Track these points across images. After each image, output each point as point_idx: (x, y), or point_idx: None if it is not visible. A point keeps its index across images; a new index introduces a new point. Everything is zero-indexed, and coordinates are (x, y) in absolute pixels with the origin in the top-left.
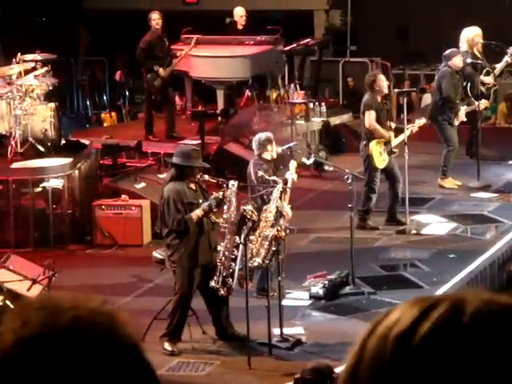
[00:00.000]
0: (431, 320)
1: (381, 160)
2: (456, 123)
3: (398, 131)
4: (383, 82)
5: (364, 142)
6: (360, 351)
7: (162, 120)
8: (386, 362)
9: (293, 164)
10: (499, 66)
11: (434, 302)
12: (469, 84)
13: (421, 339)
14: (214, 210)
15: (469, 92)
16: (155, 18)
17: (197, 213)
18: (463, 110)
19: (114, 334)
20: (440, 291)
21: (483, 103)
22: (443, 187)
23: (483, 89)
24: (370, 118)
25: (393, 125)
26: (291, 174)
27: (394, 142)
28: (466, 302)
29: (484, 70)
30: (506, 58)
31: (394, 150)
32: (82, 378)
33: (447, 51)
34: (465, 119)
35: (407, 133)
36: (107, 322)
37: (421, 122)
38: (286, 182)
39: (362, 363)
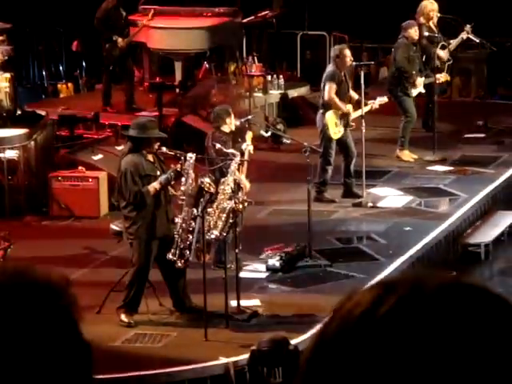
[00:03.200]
0: (393, 296)
1: (336, 131)
2: (413, 94)
3: (358, 104)
4: (347, 57)
5: (321, 111)
6: (322, 333)
7: (120, 91)
8: (349, 339)
9: (249, 135)
10: (455, 42)
11: (395, 281)
12: (424, 57)
13: (384, 313)
14: (172, 183)
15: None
16: None
17: (154, 185)
18: (421, 81)
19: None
20: (395, 264)
21: (443, 76)
22: (400, 159)
23: (438, 63)
24: (330, 90)
25: (354, 95)
26: (248, 145)
27: (352, 115)
28: (427, 280)
29: (439, 44)
30: (462, 35)
31: (351, 123)
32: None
33: (404, 22)
34: (423, 90)
35: (366, 108)
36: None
37: (382, 99)
38: (242, 154)
39: (324, 345)
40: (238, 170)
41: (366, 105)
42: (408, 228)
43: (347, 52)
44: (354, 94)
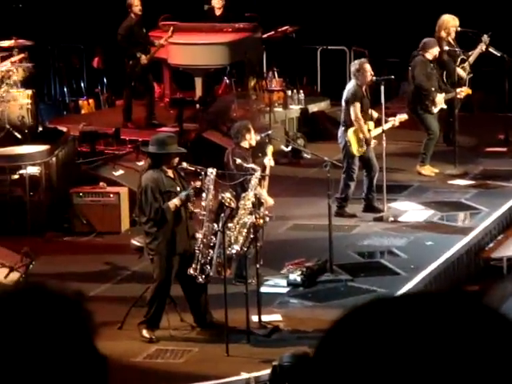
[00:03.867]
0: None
1: (359, 147)
2: (434, 111)
3: (379, 121)
4: (368, 72)
5: (343, 128)
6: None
7: (140, 107)
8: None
9: (270, 149)
10: (474, 54)
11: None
12: (445, 72)
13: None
14: (193, 199)
15: (445, 79)
16: (137, 4)
17: (174, 202)
18: (442, 98)
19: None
20: (417, 278)
21: (465, 91)
22: (421, 174)
23: (463, 73)
24: (356, 110)
25: (375, 114)
26: (269, 160)
27: (373, 132)
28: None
29: (459, 58)
30: (481, 46)
31: (373, 140)
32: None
33: (425, 39)
34: (444, 106)
35: (387, 126)
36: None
37: (402, 117)
38: (264, 168)
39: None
40: (260, 184)
41: (386, 122)
42: (429, 242)
43: (367, 66)
44: (374, 113)
